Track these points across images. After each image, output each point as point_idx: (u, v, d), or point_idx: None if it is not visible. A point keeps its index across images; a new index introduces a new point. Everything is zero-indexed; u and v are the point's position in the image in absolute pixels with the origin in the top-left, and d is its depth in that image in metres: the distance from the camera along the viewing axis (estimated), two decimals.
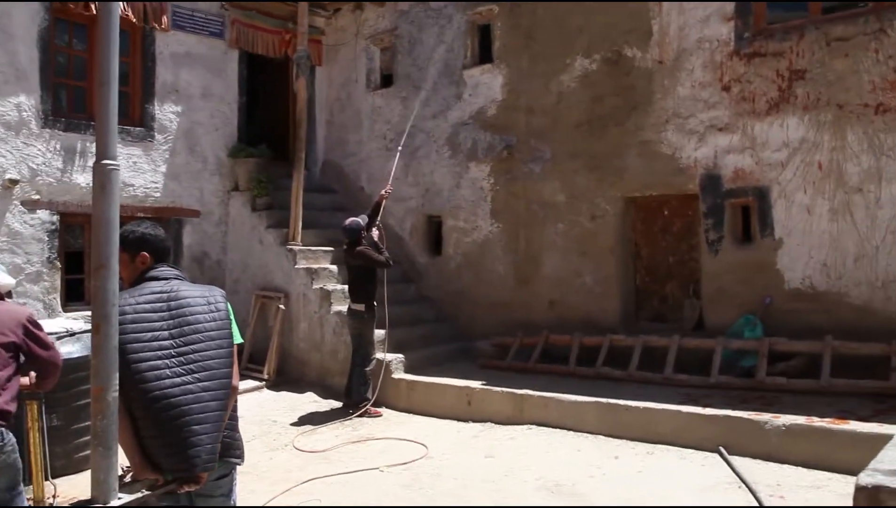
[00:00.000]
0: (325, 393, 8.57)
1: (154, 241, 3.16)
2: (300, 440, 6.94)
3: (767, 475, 5.42)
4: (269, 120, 11.21)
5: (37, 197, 8.30)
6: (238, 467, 3.23)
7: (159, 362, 2.86)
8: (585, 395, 6.90)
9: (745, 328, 7.19)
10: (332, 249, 9.63)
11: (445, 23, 9.85)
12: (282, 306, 9.24)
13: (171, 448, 2.81)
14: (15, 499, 3.79)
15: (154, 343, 2.89)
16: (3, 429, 3.61)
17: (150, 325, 2.92)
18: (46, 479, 4.33)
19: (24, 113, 8.24)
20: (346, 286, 9.02)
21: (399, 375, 8.03)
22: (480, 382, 7.63)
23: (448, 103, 9.73)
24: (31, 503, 4.28)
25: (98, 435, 2.68)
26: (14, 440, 3.74)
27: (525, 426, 6.95)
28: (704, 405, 6.33)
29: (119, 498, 2.72)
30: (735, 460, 5.71)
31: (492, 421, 7.20)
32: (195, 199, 9.84)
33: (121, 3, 8.76)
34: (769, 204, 7.30)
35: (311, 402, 8.38)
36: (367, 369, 7.79)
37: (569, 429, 6.75)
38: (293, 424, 7.53)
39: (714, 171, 7.63)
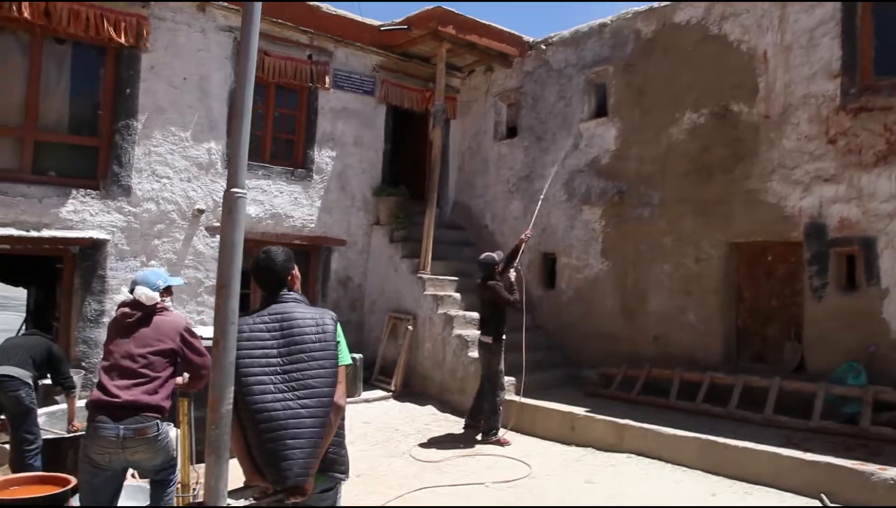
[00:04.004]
0: (444, 407, 8.29)
1: (265, 270, 2.95)
2: (417, 450, 6.67)
3: None
4: (408, 164, 11.18)
5: (217, 224, 8.56)
6: (347, 478, 2.95)
7: (266, 377, 2.68)
8: (684, 429, 6.24)
9: (848, 375, 6.29)
10: (456, 278, 9.38)
11: (565, 81, 9.49)
12: (410, 327, 9.06)
13: (267, 458, 2.62)
14: (168, 472, 3.79)
15: (263, 360, 2.71)
16: (158, 421, 3.60)
17: (262, 343, 2.74)
18: (192, 464, 4.29)
19: (213, 156, 8.55)
20: (467, 313, 8.77)
21: (510, 397, 7.55)
22: (584, 409, 7.11)
23: (565, 152, 9.33)
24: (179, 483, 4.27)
25: (211, 443, 2.52)
26: (167, 430, 3.73)
27: (625, 455, 6.37)
28: (805, 450, 5.54)
29: (228, 504, 2.55)
30: None
31: (593, 447, 6.67)
32: (343, 230, 9.89)
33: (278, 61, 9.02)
34: (876, 254, 6.42)
35: (430, 415, 8.10)
36: (498, 398, 7.04)
37: (666, 461, 6.12)
38: (413, 434, 7.27)
39: (819, 220, 6.82)
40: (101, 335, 7.59)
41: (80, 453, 3.57)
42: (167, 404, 3.69)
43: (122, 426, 3.44)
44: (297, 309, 2.87)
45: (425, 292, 9.04)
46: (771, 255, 7.45)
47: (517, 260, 7.52)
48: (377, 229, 10.08)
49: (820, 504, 5.06)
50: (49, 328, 7.79)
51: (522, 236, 7.76)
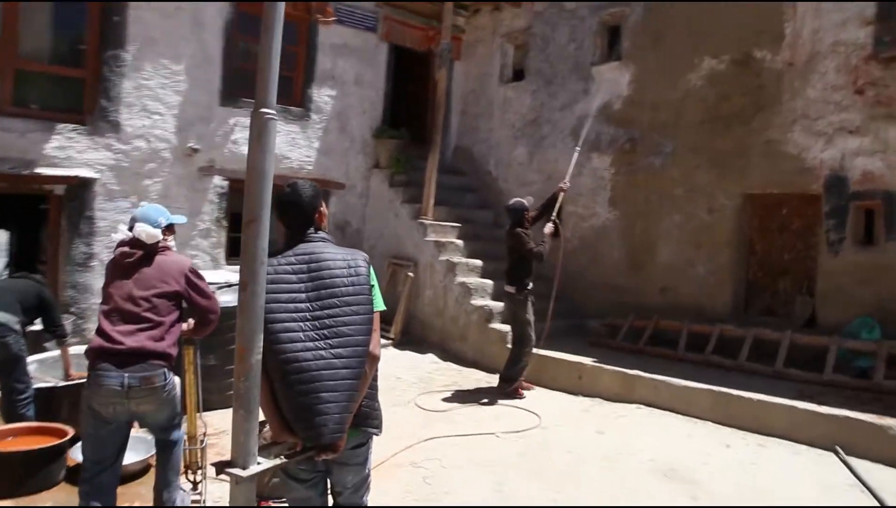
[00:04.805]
0: (446, 356, 8.18)
1: (291, 205, 2.67)
2: (422, 398, 6.53)
3: (891, 481, 4.60)
4: (409, 106, 10.81)
5: (211, 164, 8.22)
6: (380, 433, 2.79)
7: (294, 324, 2.44)
8: (693, 380, 6.16)
9: (862, 329, 6.20)
10: (459, 225, 9.15)
11: (577, 23, 9.10)
12: (411, 274, 8.86)
13: (299, 413, 2.40)
14: (174, 431, 3.59)
15: (290, 305, 2.46)
16: (165, 370, 3.35)
17: (289, 286, 2.49)
18: (199, 413, 4.09)
19: (208, 92, 8.14)
20: (470, 260, 8.60)
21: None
22: (591, 359, 6.99)
23: (575, 97, 9.00)
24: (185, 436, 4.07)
25: (240, 397, 2.26)
26: (175, 380, 3.49)
27: (634, 406, 6.30)
28: (819, 403, 5.48)
29: (258, 464, 2.32)
30: (853, 461, 4.90)
31: (601, 397, 6.59)
32: (342, 173, 9.56)
33: None
34: None
35: (432, 363, 7.98)
36: (525, 349, 6.67)
37: (677, 412, 6.05)
38: (415, 383, 7.12)
39: (840, 173, 6.62)
40: (91, 279, 7.31)
41: (83, 404, 3.28)
42: (174, 351, 3.42)
43: (126, 374, 3.18)
44: (327, 250, 2.62)
45: (426, 238, 8.81)
46: (786, 208, 7.28)
47: (555, 212, 7.02)
48: (377, 173, 9.78)
49: (836, 457, 5.02)
50: (34, 271, 7.46)
51: (560, 186, 7.12)
